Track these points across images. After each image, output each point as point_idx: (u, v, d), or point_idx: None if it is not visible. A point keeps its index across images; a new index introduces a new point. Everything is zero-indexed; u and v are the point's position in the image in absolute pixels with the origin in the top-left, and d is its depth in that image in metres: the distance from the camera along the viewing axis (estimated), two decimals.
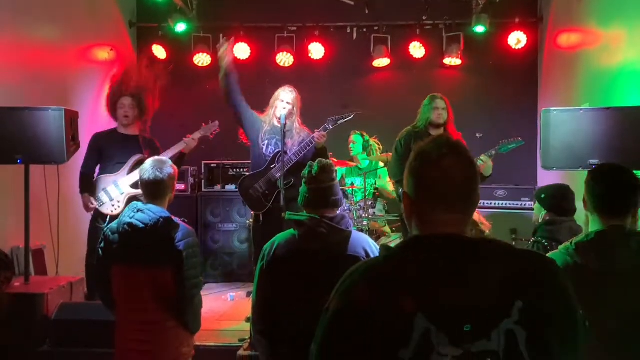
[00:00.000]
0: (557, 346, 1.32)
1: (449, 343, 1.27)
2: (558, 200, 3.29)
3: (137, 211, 2.95)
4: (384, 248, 1.45)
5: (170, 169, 3.04)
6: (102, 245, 3.03)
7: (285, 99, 4.86)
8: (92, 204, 4.81)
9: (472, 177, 1.44)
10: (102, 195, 4.82)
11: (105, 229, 3.04)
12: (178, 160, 4.86)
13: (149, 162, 3.03)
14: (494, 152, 4.84)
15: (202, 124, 5.08)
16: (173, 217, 3.01)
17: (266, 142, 4.82)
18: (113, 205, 4.80)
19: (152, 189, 3.01)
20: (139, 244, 2.92)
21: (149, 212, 2.93)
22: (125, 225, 2.93)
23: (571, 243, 2.25)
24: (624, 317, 2.15)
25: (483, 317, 1.29)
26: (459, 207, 1.42)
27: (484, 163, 4.81)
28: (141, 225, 2.90)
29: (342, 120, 4.79)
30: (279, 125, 4.70)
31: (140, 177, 3.04)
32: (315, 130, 4.73)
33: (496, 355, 1.27)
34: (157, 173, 2.98)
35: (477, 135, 5.41)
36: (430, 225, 1.42)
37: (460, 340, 1.28)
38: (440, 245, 1.36)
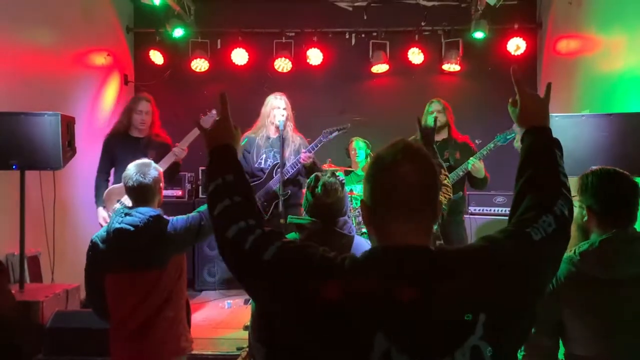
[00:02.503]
0: (515, 350, 1.29)
1: None
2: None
3: (125, 215, 2.90)
4: (350, 258, 1.38)
5: (154, 171, 2.99)
6: (91, 254, 2.97)
7: (280, 105, 4.85)
8: (106, 220, 4.71)
9: (431, 185, 1.37)
10: (117, 206, 4.75)
11: (94, 238, 2.98)
12: (173, 170, 4.82)
13: (131, 168, 2.97)
14: (485, 153, 4.78)
15: (200, 115, 5.01)
16: (163, 215, 2.96)
17: (263, 156, 4.90)
18: None
19: (138, 195, 2.97)
20: (132, 248, 2.87)
21: (138, 214, 2.89)
22: (115, 232, 2.88)
23: (574, 252, 2.20)
24: (633, 325, 2.12)
25: (446, 335, 1.23)
26: (417, 216, 1.35)
27: (473, 165, 4.75)
28: (131, 229, 2.86)
29: (337, 133, 4.87)
30: (275, 136, 4.79)
31: (125, 184, 2.98)
32: (302, 151, 4.78)
33: None
34: (141, 178, 2.93)
35: (476, 141, 5.37)
36: (389, 236, 1.36)
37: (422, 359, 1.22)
38: (401, 259, 1.29)
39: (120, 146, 4.88)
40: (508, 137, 4.79)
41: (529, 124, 1.65)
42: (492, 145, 4.80)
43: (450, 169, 4.72)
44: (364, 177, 1.42)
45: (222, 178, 1.59)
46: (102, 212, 4.76)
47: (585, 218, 2.27)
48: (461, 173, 4.81)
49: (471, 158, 4.78)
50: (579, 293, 2.16)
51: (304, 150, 4.82)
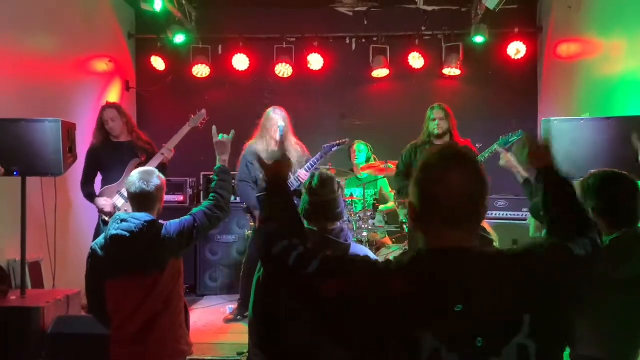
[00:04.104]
0: (560, 349, 1.32)
1: None
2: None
3: (121, 221, 2.93)
4: (395, 260, 1.42)
5: (157, 180, 3.01)
6: (91, 262, 2.99)
7: (278, 120, 4.97)
8: (108, 204, 4.71)
9: (479, 192, 1.40)
10: (117, 197, 4.79)
11: (93, 245, 3.01)
12: (161, 172, 4.82)
13: (135, 175, 3.00)
14: (487, 156, 4.72)
15: (190, 115, 5.03)
16: (158, 220, 2.98)
17: None
18: None
19: (139, 201, 2.99)
20: (129, 253, 2.89)
21: (133, 220, 2.91)
22: (112, 238, 2.90)
23: None
24: None
25: (494, 333, 1.26)
26: (464, 222, 1.38)
27: None
28: (127, 234, 2.87)
29: (336, 148, 4.96)
30: (275, 148, 4.83)
31: (127, 189, 3.01)
32: (298, 171, 4.88)
33: None
34: (144, 185, 2.95)
35: (477, 145, 5.37)
36: (436, 239, 1.38)
37: (471, 358, 1.25)
38: (448, 261, 1.33)
39: (105, 153, 4.90)
40: (510, 140, 4.74)
41: (542, 164, 1.75)
42: (486, 154, 4.74)
43: None
44: (413, 180, 1.44)
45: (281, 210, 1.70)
46: (100, 200, 4.74)
47: None
48: None
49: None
50: (588, 292, 2.15)
51: (300, 170, 4.90)
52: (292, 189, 4.76)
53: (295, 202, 1.77)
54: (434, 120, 5.04)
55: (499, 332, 1.26)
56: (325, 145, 4.98)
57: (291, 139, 5.00)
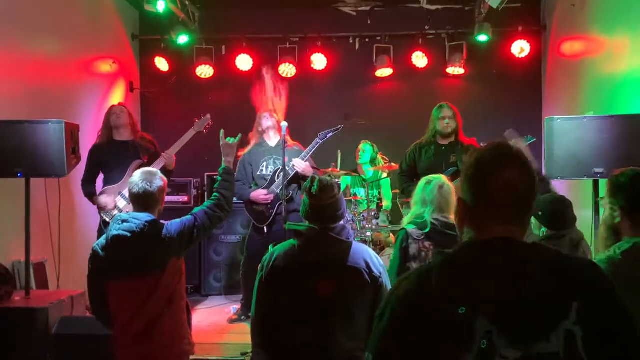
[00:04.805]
0: (613, 346, 1.32)
1: (509, 345, 1.28)
2: (556, 215, 3.24)
3: (122, 222, 2.94)
4: (438, 253, 1.46)
5: (159, 181, 3.02)
6: (92, 262, 3.00)
7: (267, 118, 5.32)
8: (109, 202, 4.75)
9: (533, 189, 1.44)
10: (119, 199, 4.81)
11: (95, 246, 3.03)
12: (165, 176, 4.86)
13: (138, 175, 3.02)
14: None
15: (194, 120, 5.08)
16: (159, 220, 3.00)
17: (264, 164, 5.23)
18: None
19: (140, 202, 3.00)
20: (130, 254, 2.90)
21: (134, 220, 2.92)
22: (113, 239, 2.91)
23: (614, 252, 2.18)
24: None
25: (542, 318, 1.29)
26: (517, 218, 1.43)
27: None
28: (128, 235, 2.89)
29: (331, 134, 5.10)
30: (272, 145, 5.24)
31: (130, 190, 3.03)
32: (293, 160, 5.02)
33: (557, 357, 1.28)
34: (146, 186, 2.97)
35: (481, 144, 5.36)
36: (486, 233, 1.42)
37: (520, 342, 1.28)
38: (498, 248, 1.37)
39: (107, 152, 4.94)
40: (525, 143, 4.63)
41: None
42: None
43: (458, 173, 4.69)
44: (463, 176, 1.47)
45: None
46: (101, 198, 4.77)
47: (617, 219, 2.26)
48: None
49: None
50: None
51: (294, 159, 5.04)
52: (288, 177, 4.95)
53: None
54: (443, 119, 5.02)
55: (547, 316, 1.29)
56: (321, 133, 5.11)
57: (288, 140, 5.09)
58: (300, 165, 5.00)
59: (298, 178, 5.11)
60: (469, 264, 1.37)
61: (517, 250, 1.37)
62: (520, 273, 1.33)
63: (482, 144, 4.83)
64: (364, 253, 2.65)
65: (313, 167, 5.11)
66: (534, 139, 4.55)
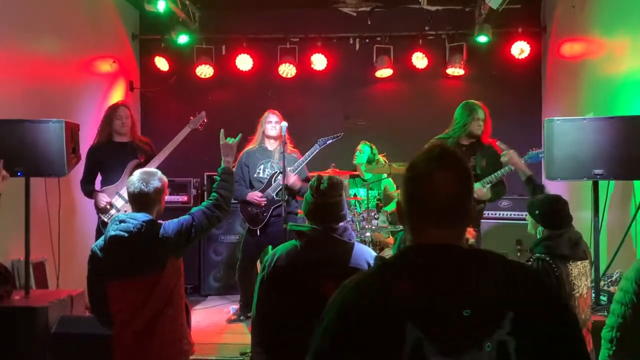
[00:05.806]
0: (548, 356, 1.29)
1: (440, 353, 1.25)
2: (553, 214, 3.25)
3: (120, 222, 2.94)
4: (378, 258, 1.47)
5: (157, 182, 3.02)
6: (91, 263, 3.00)
7: (272, 119, 5.22)
8: (105, 200, 4.77)
9: (465, 193, 1.40)
10: (116, 198, 4.82)
11: (93, 247, 3.03)
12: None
13: (136, 175, 3.02)
14: (492, 180, 4.61)
15: (190, 117, 5.10)
16: (156, 220, 3.00)
17: (261, 166, 5.25)
18: None
19: (137, 202, 3.01)
20: (128, 254, 2.90)
21: (131, 220, 2.92)
22: (111, 239, 2.91)
23: None
24: None
25: (475, 327, 1.27)
26: (450, 222, 1.39)
27: (479, 189, 4.56)
28: (125, 235, 2.89)
29: (330, 141, 5.14)
30: (271, 148, 5.23)
31: (127, 189, 3.04)
32: (290, 174, 4.97)
33: None
34: (142, 186, 2.97)
35: (502, 146, 5.32)
36: (423, 238, 1.40)
37: (450, 350, 1.26)
38: (434, 255, 1.35)
39: (105, 153, 4.96)
40: (540, 155, 4.37)
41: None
42: (493, 178, 4.58)
43: (476, 178, 4.51)
44: (401, 181, 1.45)
45: None
46: (98, 195, 4.80)
47: None
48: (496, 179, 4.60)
49: (506, 167, 4.47)
50: None
51: (291, 173, 5.00)
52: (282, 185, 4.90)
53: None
54: (478, 120, 4.77)
55: (480, 325, 1.27)
56: (320, 139, 5.13)
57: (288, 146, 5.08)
58: (289, 179, 4.93)
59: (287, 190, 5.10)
60: (404, 270, 1.35)
61: (454, 257, 1.35)
62: (456, 281, 1.30)
63: (501, 145, 4.65)
64: (365, 254, 2.66)
65: (303, 180, 5.06)
66: (542, 153, 4.32)
